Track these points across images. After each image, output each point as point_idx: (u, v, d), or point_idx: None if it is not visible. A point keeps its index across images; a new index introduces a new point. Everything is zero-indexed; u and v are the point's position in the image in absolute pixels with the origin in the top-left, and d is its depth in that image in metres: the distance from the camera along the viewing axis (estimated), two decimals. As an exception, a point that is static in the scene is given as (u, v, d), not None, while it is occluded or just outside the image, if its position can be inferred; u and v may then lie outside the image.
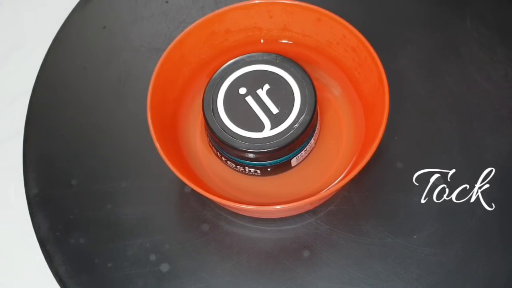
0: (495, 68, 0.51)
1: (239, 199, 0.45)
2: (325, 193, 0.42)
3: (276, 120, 0.42)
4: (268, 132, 0.42)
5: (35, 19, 0.61)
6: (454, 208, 0.46)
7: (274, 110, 0.43)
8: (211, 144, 0.45)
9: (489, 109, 0.49)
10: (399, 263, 0.44)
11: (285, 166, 0.44)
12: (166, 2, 0.56)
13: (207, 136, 0.45)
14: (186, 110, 0.48)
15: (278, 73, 0.44)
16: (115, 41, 0.54)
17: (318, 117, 0.45)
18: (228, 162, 0.44)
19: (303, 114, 0.42)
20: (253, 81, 0.44)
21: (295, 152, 0.43)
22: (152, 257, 0.45)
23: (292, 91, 0.43)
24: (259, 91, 0.43)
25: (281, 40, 0.48)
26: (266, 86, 0.43)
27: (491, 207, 0.46)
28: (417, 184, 0.47)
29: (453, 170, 0.47)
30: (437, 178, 0.47)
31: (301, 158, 0.45)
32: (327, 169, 0.45)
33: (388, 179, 0.47)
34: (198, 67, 0.48)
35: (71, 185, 0.48)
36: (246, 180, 0.45)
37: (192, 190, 0.41)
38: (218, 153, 0.45)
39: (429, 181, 0.47)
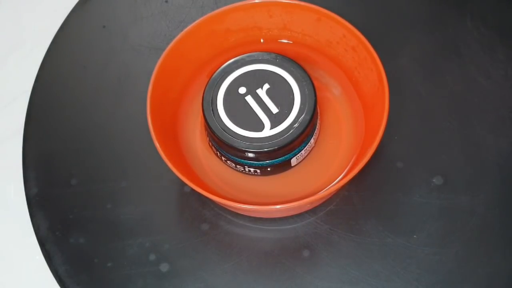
0: (495, 67, 0.50)
1: (239, 199, 0.45)
2: (325, 192, 0.42)
3: (276, 120, 0.42)
4: (268, 131, 0.42)
5: (34, 19, 0.61)
6: (454, 208, 0.46)
7: (274, 109, 0.43)
8: (211, 144, 0.45)
9: (489, 109, 0.49)
10: (399, 263, 0.44)
11: (285, 165, 0.44)
12: (166, 1, 0.55)
13: (207, 135, 0.45)
14: (186, 110, 0.47)
15: (278, 72, 0.44)
16: (115, 40, 0.54)
17: (318, 117, 0.45)
18: (228, 161, 0.44)
19: (303, 114, 0.42)
20: (253, 80, 0.44)
21: (295, 151, 0.43)
22: (152, 257, 0.45)
23: (292, 90, 0.43)
24: (259, 91, 0.43)
25: (281, 39, 0.48)
26: (266, 86, 0.43)
27: (492, 207, 0.46)
28: (417, 184, 0.46)
29: (453, 170, 0.47)
30: (437, 178, 0.47)
31: (301, 158, 0.45)
32: (327, 168, 0.45)
33: (388, 179, 0.47)
34: (198, 67, 0.48)
35: (71, 184, 0.48)
36: (246, 179, 0.45)
37: (192, 189, 0.41)
38: (218, 152, 0.45)
39: (429, 181, 0.47)
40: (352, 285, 0.44)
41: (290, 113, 0.42)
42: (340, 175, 0.44)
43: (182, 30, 0.45)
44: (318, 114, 0.45)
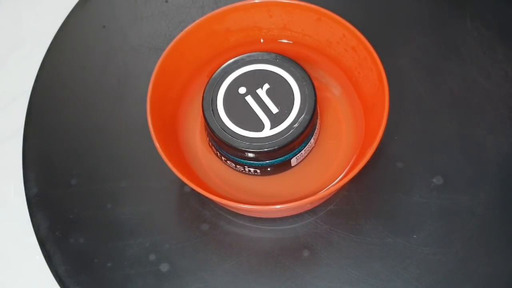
0: (495, 67, 0.50)
1: (239, 199, 0.45)
2: (325, 192, 0.42)
3: (276, 120, 0.42)
4: (268, 131, 0.42)
5: (34, 19, 0.61)
6: (454, 208, 0.46)
7: (274, 109, 0.43)
8: (211, 144, 0.45)
9: (489, 109, 0.49)
10: (399, 263, 0.44)
11: (285, 165, 0.44)
12: (166, 1, 0.55)
13: (207, 135, 0.45)
14: (186, 110, 0.47)
15: (278, 72, 0.44)
16: (115, 40, 0.54)
17: (318, 117, 0.45)
18: (228, 161, 0.44)
19: (303, 114, 0.42)
20: (253, 80, 0.44)
21: (295, 151, 0.43)
22: (152, 257, 0.45)
23: (292, 90, 0.43)
24: (259, 91, 0.43)
25: (281, 39, 0.48)
26: (266, 86, 0.43)
27: (492, 207, 0.46)
28: (417, 184, 0.46)
29: (453, 170, 0.47)
30: (437, 178, 0.47)
31: (301, 158, 0.45)
32: (327, 168, 0.45)
33: (388, 179, 0.47)
34: (198, 67, 0.48)
35: (71, 184, 0.48)
36: (246, 179, 0.45)
37: (192, 189, 0.41)
38: (218, 152, 0.45)
39: (429, 181, 0.47)
40: (352, 285, 0.44)
41: (290, 113, 0.42)
42: (340, 175, 0.44)
43: (182, 30, 0.45)
44: (318, 114, 0.45)
